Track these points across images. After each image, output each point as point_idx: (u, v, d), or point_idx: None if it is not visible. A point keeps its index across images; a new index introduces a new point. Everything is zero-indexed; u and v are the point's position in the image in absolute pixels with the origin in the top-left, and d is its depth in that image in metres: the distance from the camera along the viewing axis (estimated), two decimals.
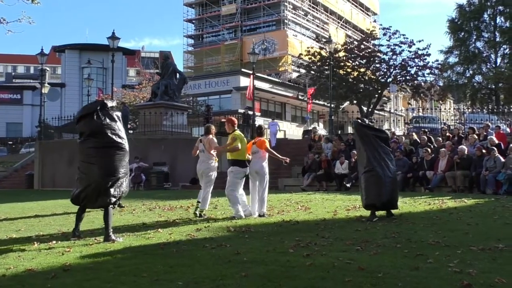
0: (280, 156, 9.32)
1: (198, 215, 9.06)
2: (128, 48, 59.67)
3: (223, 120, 10.10)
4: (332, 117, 26.51)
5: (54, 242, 6.63)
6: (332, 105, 28.56)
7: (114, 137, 6.80)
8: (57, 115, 30.42)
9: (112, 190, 6.74)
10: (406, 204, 10.04)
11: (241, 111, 33.03)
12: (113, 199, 6.84)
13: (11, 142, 47.50)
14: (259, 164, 8.93)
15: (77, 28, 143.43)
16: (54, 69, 74.33)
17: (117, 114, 7.04)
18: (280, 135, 45.10)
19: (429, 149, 15.01)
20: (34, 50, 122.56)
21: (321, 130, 35.37)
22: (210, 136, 9.29)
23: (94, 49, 54.28)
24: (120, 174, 6.81)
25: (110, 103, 7.05)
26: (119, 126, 6.93)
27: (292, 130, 48.84)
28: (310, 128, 34.66)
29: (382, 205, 8.18)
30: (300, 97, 46.53)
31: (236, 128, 9.17)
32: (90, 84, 41.06)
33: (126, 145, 6.97)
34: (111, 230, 6.76)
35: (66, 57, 56.87)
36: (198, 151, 9.32)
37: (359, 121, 8.91)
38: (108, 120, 6.81)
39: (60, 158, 22.66)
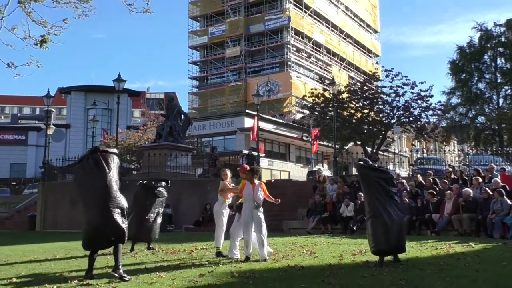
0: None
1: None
2: (133, 89, 60.33)
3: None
4: (337, 158, 26.44)
5: (55, 287, 6.52)
6: (336, 146, 28.57)
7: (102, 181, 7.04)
8: (61, 156, 30.54)
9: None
10: (413, 249, 9.88)
11: (246, 152, 33.10)
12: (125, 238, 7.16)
13: (14, 183, 47.42)
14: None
15: (83, 70, 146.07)
16: (60, 110, 75.24)
17: (107, 158, 7.21)
18: (284, 175, 45.18)
19: (433, 191, 14.89)
20: (40, 91, 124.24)
21: (326, 171, 35.29)
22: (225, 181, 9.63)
23: (100, 91, 54.80)
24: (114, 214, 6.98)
25: (103, 147, 7.48)
26: (111, 170, 7.13)
27: (296, 171, 48.74)
28: (314, 169, 34.57)
29: (391, 250, 8.03)
30: (304, 138, 46.67)
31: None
32: (95, 125, 41.37)
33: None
34: (121, 264, 7.05)
35: (71, 99, 57.45)
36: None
37: (362, 162, 8.66)
38: (94, 165, 7.10)
39: (62, 199, 22.57)
